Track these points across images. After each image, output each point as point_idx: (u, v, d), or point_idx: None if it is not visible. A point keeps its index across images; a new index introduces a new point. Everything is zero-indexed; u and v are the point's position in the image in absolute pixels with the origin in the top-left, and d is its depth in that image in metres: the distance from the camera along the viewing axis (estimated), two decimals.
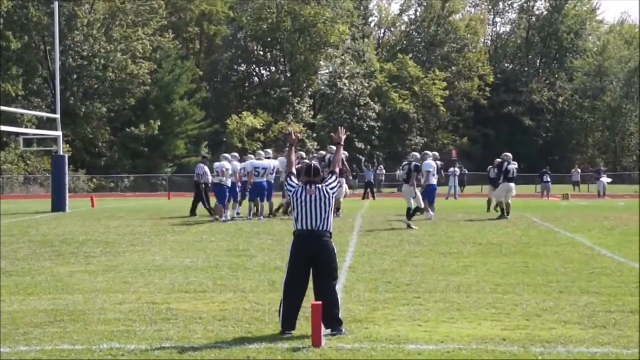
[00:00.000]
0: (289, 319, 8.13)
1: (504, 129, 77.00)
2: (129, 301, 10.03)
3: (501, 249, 15.42)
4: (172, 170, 58.67)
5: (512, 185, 23.36)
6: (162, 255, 14.80)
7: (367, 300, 9.91)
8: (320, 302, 7.79)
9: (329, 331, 8.05)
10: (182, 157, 60.51)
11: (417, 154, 22.44)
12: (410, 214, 20.27)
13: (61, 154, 30.68)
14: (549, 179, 42.48)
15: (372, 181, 42.65)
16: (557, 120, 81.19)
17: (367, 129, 68.98)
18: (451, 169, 41.95)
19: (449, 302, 9.80)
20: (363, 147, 66.67)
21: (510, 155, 23.97)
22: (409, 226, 19.81)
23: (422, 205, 21.12)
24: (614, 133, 78.56)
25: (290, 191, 8.36)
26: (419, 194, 20.85)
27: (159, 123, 56.64)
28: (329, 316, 7.95)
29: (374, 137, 69.64)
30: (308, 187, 8.27)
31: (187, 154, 60.91)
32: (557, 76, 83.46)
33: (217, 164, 23.56)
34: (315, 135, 66.81)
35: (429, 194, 22.58)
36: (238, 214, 23.74)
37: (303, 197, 8.22)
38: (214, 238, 17.84)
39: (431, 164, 22.70)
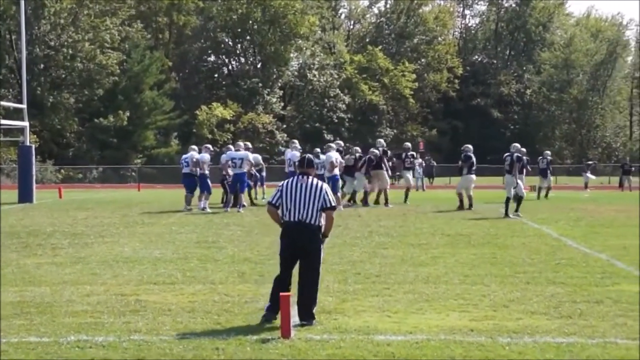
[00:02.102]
0: (276, 304, 8.10)
1: (473, 120, 77.46)
2: (97, 293, 9.97)
3: (469, 240, 15.54)
4: (141, 161, 58.29)
5: (474, 177, 23.90)
6: (131, 246, 14.73)
7: (336, 291, 9.94)
8: (289, 294, 7.85)
9: (298, 320, 8.12)
10: (151, 147, 60.11)
11: (518, 145, 22.87)
12: (508, 203, 20.99)
13: (28, 144, 30.36)
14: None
15: None
16: (525, 112, 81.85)
17: (336, 121, 69.05)
18: (418, 160, 42.09)
19: (417, 293, 9.86)
20: (332, 138, 66.70)
21: (470, 147, 24.42)
22: (506, 214, 20.61)
23: (524, 195, 21.94)
24: (580, 125, 79.37)
25: (280, 188, 8.44)
26: (520, 183, 21.43)
27: (128, 114, 56.19)
28: (304, 309, 8.18)
29: (343, 129, 69.70)
30: (301, 176, 8.37)
31: (157, 145, 60.54)
32: (524, 68, 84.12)
33: (185, 155, 23.66)
34: (285, 126, 66.79)
35: (333, 185, 22.97)
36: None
37: (293, 188, 8.30)
38: (183, 229, 17.79)
39: (332, 155, 23.72)
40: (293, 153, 24.66)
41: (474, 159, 23.93)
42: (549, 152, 32.50)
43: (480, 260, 12.73)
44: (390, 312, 8.76)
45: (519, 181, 21.32)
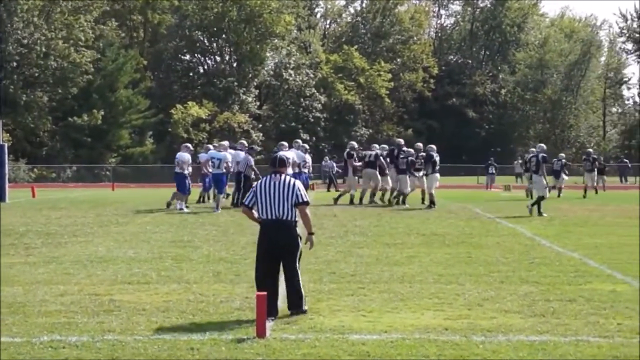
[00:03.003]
0: (268, 306, 8.04)
1: (448, 120, 77.79)
2: (70, 292, 9.91)
3: (444, 240, 15.61)
4: (116, 160, 58.00)
5: (438, 175, 24.37)
6: (105, 246, 14.65)
7: (311, 291, 9.94)
8: (264, 293, 7.84)
9: (271, 320, 8.14)
10: (126, 147, 59.84)
11: (543, 145, 23.70)
12: (540, 202, 21.33)
13: (1, 143, 30.14)
14: (494, 170, 43.11)
15: (333, 172, 42.92)
16: (500, 112, 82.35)
17: (312, 120, 69.07)
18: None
19: (392, 292, 9.89)
20: (308, 137, 66.78)
21: (434, 147, 24.91)
22: (540, 214, 20.95)
23: (547, 195, 22.33)
24: (554, 125, 79.96)
25: (255, 189, 8.69)
26: (546, 182, 22.15)
27: (102, 112, 55.90)
28: (291, 299, 8.57)
29: (319, 128, 69.75)
30: (273, 175, 8.63)
31: (131, 144, 60.26)
32: (499, 68, 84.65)
33: (178, 154, 23.79)
34: (260, 125, 66.69)
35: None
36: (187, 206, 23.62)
37: (267, 187, 8.55)
38: (158, 229, 17.73)
39: (226, 155, 23.54)
40: (298, 152, 24.57)
41: (435, 158, 24.28)
42: (563, 155, 33.58)
43: (454, 260, 12.80)
44: (365, 312, 8.78)
45: (546, 180, 22.22)
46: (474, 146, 73.19)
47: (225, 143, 25.08)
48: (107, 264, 12.37)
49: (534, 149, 32.88)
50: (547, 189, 22.49)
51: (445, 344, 7.36)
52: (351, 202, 25.18)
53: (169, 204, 23.61)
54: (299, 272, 8.71)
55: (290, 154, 22.70)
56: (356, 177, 26.53)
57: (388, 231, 17.26)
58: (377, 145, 26.95)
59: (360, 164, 25.84)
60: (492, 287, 10.32)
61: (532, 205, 21.50)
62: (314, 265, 12.04)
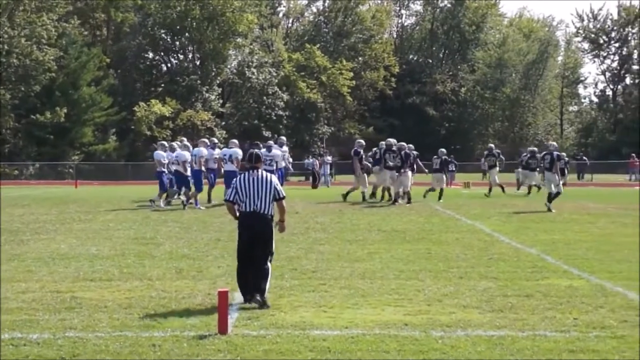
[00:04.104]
0: (248, 290, 9.01)
1: (409, 118, 78.13)
2: (32, 290, 9.87)
3: (405, 236, 15.74)
4: (79, 157, 57.61)
5: (394, 172, 24.57)
6: (68, 243, 14.58)
7: (273, 287, 9.98)
8: (226, 290, 7.91)
9: (235, 316, 8.22)
10: (89, 144, 59.42)
11: (555, 144, 25.24)
12: (552, 197, 22.15)
13: None
14: (454, 168, 43.41)
15: (317, 169, 43.16)
16: (460, 110, 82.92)
17: (275, 118, 69.01)
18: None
19: (353, 289, 9.98)
20: (270, 135, 66.73)
21: (407, 144, 25.37)
22: (549, 209, 21.68)
23: (562, 191, 23.03)
24: (512, 123, 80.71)
25: (235, 185, 9.28)
26: (559, 179, 23.01)
27: (65, 110, 55.52)
28: (257, 284, 9.03)
29: (281, 126, 69.68)
30: (251, 171, 9.28)
31: (94, 142, 59.87)
32: (459, 67, 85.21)
33: (177, 152, 23.42)
34: (223, 123, 66.53)
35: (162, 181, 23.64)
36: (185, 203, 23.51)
37: (247, 183, 9.19)
38: (121, 226, 17.66)
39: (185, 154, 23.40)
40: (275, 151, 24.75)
41: (411, 156, 24.82)
42: (564, 154, 33.74)
43: (415, 256, 12.92)
44: (326, 308, 8.86)
45: (559, 177, 23.05)
46: (435, 144, 73.45)
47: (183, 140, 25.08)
48: (70, 261, 12.32)
49: (564, 153, 33.71)
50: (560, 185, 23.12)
51: (405, 339, 7.45)
52: (363, 199, 25.30)
53: (184, 203, 23.14)
54: (270, 263, 9.30)
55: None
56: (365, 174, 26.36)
57: (349, 228, 17.36)
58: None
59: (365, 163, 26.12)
60: (452, 282, 10.46)
61: (550, 200, 22.18)
62: (276, 262, 12.02)
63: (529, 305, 8.99)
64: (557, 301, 9.23)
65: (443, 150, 28.06)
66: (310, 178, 42.82)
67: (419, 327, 7.93)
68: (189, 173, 23.03)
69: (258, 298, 8.91)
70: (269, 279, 9.18)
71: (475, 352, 7.06)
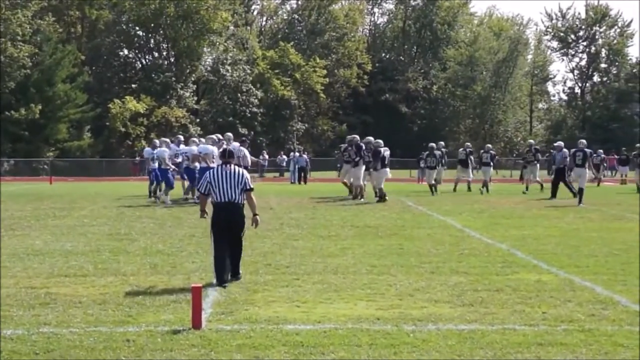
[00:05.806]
0: (221, 275, 9.86)
1: (382, 115, 78.45)
2: (6, 286, 9.85)
3: (377, 232, 15.86)
4: (53, 154, 57.31)
5: (388, 170, 24.65)
6: (42, 239, 14.56)
7: (247, 282, 10.08)
8: (200, 285, 7.96)
9: (209, 311, 8.28)
10: (64, 141, 59.14)
11: (584, 141, 25.45)
12: (582, 193, 23.17)
13: None
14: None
15: (305, 166, 43.14)
16: (431, 107, 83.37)
17: (249, 115, 69.02)
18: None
19: (326, 283, 10.06)
20: (246, 131, 66.65)
21: (381, 141, 25.03)
22: (580, 202, 22.75)
23: (584, 187, 23.83)
24: (483, 120, 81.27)
25: (208, 179, 10.17)
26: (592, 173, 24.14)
27: (40, 106, 55.21)
28: (234, 268, 10.17)
29: (256, 123, 69.72)
30: (224, 165, 10.21)
31: (69, 138, 59.61)
32: (431, 65, 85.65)
33: (186, 148, 24.00)
34: (198, 120, 66.43)
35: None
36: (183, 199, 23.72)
37: (220, 176, 10.08)
38: (96, 222, 17.65)
39: (165, 152, 24.06)
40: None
41: (384, 153, 24.57)
42: (601, 151, 34.75)
43: (387, 251, 13.03)
44: (299, 302, 8.92)
45: (587, 173, 24.25)
46: (407, 140, 73.89)
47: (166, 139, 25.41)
48: (44, 257, 12.31)
49: (528, 141, 34.25)
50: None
51: (377, 334, 7.52)
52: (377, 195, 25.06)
53: (186, 198, 23.67)
54: (242, 246, 10.45)
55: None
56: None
57: (323, 223, 17.45)
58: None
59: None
60: (423, 277, 10.56)
61: (580, 198, 23.03)
62: (250, 257, 12.16)
63: (499, 300, 9.09)
64: (526, 295, 9.34)
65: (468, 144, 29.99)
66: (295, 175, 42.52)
67: (390, 322, 8.00)
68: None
69: (232, 279, 10.00)
70: (241, 257, 10.33)
71: (446, 345, 7.13)
